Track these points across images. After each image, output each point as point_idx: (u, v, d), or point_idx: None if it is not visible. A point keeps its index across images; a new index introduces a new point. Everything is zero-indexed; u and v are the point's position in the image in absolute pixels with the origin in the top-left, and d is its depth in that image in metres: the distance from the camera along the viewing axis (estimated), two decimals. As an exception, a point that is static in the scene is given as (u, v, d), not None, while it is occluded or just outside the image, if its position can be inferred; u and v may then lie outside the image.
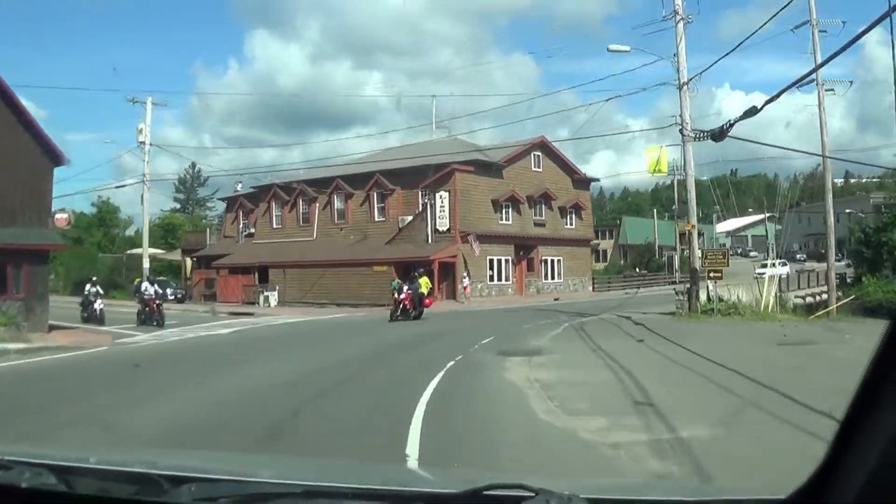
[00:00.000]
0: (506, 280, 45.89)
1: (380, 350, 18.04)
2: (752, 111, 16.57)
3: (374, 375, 13.53)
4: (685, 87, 23.19)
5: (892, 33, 13.96)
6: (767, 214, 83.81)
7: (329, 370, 14.14)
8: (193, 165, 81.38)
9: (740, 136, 20.73)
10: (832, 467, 1.43)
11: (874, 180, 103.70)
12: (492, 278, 44.85)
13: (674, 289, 28.65)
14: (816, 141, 27.31)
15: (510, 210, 46.28)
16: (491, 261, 44.58)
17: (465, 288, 40.85)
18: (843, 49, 15.37)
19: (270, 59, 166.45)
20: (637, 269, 62.84)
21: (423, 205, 43.09)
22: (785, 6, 21.36)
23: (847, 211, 62.19)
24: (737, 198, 74.25)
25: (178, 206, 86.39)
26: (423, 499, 2.06)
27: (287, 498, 1.94)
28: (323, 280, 43.63)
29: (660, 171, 25.25)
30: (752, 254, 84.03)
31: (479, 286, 43.36)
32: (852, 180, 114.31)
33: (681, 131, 23.12)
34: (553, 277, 49.81)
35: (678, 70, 23.57)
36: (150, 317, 28.35)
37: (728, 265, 24.83)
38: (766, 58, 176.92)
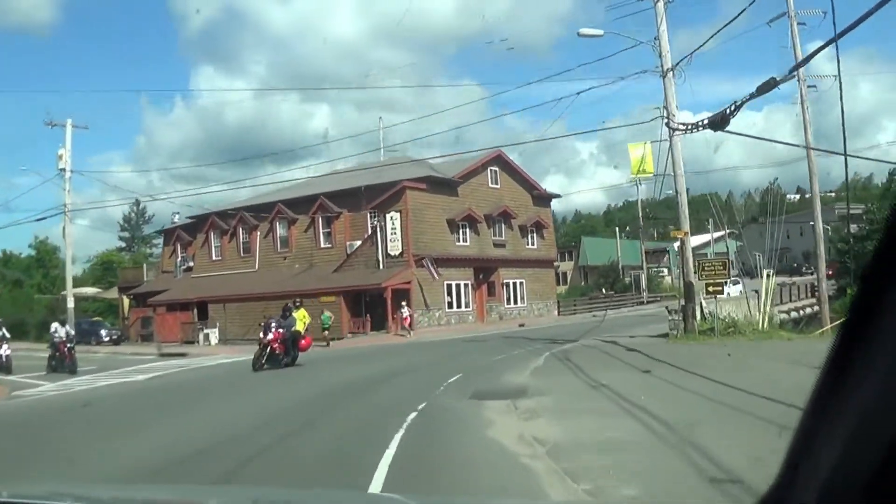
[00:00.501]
0: (465, 307, 42.30)
1: (316, 399, 14.18)
2: (770, 83, 13.51)
3: (299, 445, 9.36)
4: (670, 74, 19.99)
5: (836, 50, 11.59)
6: (729, 230, 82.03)
7: (240, 437, 10.44)
8: (137, 203, 78.81)
9: (735, 131, 17.59)
10: (790, 479, 1.25)
11: (829, 194, 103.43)
12: (450, 305, 41.21)
13: (666, 307, 25.33)
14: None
15: (467, 230, 42.82)
16: (449, 286, 40.98)
17: (405, 319, 35.93)
18: (830, 42, 12.44)
19: (217, 94, 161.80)
20: (603, 291, 60.02)
21: (372, 228, 39.53)
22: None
23: (811, 223, 60.54)
24: (693, 215, 72.80)
25: (123, 244, 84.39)
26: None
27: None
28: (267, 314, 39.55)
29: (644, 171, 21.83)
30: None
31: (437, 314, 39.80)
32: (808, 195, 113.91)
33: (667, 124, 19.81)
34: (516, 302, 46.43)
35: (661, 55, 20.38)
36: (62, 363, 25.22)
37: (729, 277, 21.66)
38: (715, 77, 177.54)
